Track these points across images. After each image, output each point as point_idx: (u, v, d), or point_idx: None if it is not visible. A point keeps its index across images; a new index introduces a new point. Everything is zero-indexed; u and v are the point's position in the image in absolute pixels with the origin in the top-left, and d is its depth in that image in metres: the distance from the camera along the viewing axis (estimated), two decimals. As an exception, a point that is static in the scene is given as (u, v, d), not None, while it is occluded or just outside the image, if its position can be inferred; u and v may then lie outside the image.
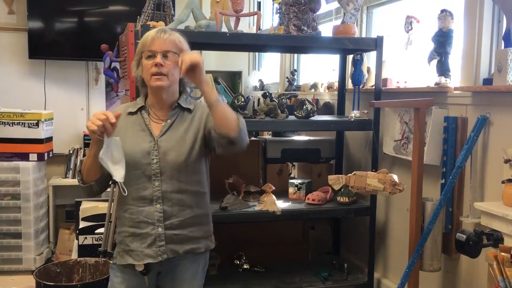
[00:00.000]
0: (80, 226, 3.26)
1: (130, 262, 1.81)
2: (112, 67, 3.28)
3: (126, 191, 1.73)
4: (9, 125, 3.88)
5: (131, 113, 1.88)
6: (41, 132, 3.93)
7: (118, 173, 1.72)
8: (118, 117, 1.68)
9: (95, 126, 1.65)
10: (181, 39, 1.86)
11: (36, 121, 3.91)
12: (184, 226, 1.83)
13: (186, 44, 1.87)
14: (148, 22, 2.60)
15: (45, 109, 4.37)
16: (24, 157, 3.88)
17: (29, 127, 3.91)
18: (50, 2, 4.41)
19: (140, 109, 1.88)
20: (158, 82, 1.79)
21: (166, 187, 1.80)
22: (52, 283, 2.65)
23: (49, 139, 4.13)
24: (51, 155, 4.18)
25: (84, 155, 4.36)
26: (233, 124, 1.76)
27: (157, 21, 2.64)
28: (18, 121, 3.89)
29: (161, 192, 1.79)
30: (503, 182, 1.99)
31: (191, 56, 1.71)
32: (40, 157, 3.94)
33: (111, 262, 1.92)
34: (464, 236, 1.97)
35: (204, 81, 1.75)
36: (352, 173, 2.37)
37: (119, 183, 1.72)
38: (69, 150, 4.44)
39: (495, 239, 1.89)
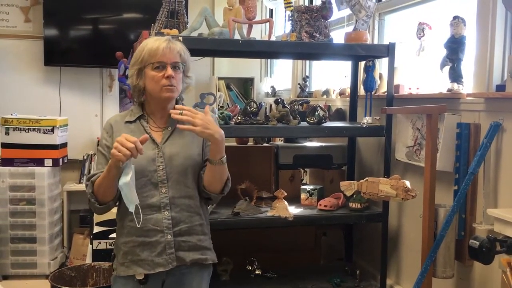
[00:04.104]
0: (94, 231, 3.29)
1: (140, 272, 1.78)
2: (126, 74, 3.32)
3: (140, 223, 1.73)
4: (25, 131, 3.94)
5: (129, 122, 1.86)
6: (56, 138, 3.98)
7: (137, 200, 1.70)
8: (144, 142, 1.68)
9: (123, 157, 1.63)
10: (185, 49, 1.86)
11: (51, 127, 3.97)
12: (192, 233, 1.82)
13: (188, 54, 1.88)
14: (162, 30, 2.64)
15: (60, 115, 4.44)
16: (39, 162, 3.94)
17: (44, 133, 3.96)
18: (66, 11, 4.49)
19: (139, 118, 1.86)
20: (170, 94, 1.79)
21: (173, 193, 1.79)
22: (67, 287, 2.68)
23: (64, 145, 4.19)
24: (65, 161, 4.23)
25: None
26: (219, 188, 1.84)
27: (170, 29, 2.67)
28: (33, 127, 3.94)
29: (168, 199, 1.78)
30: (516, 188, 1.99)
31: (218, 131, 1.75)
32: (55, 162, 4.00)
33: (113, 274, 1.88)
34: (477, 243, 1.96)
35: (216, 140, 1.75)
36: (364, 179, 2.37)
37: (135, 214, 1.70)
38: (83, 156, 4.50)
39: (509, 245, 1.88)
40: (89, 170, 4.43)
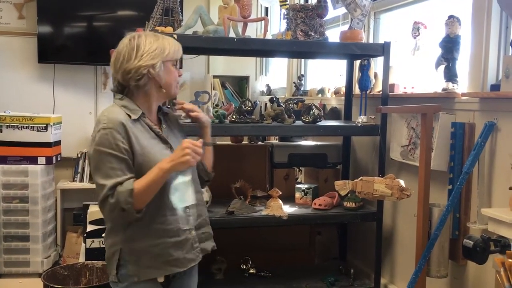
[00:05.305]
0: (88, 230, 3.27)
1: (174, 272, 1.79)
2: (120, 71, 3.29)
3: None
4: (18, 129, 3.91)
5: (134, 120, 1.76)
6: (49, 136, 3.96)
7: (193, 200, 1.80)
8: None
9: (194, 161, 1.71)
10: None
11: (45, 125, 3.94)
12: (206, 224, 1.93)
13: None
14: (157, 27, 2.62)
15: (53, 113, 4.41)
16: (33, 160, 3.92)
17: (38, 130, 3.94)
18: (60, 7, 4.46)
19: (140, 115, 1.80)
20: (177, 91, 1.89)
21: None
22: (59, 286, 2.67)
23: (58, 143, 4.16)
24: (59, 159, 4.21)
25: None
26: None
27: (165, 26, 2.66)
28: (27, 125, 3.92)
29: None
30: (510, 188, 1.98)
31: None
32: (49, 160, 3.97)
33: (131, 280, 1.75)
34: (471, 242, 1.96)
35: (209, 123, 1.98)
36: (359, 179, 2.37)
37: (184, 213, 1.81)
38: (77, 154, 4.47)
39: (503, 245, 1.89)
40: (83, 168, 4.40)
